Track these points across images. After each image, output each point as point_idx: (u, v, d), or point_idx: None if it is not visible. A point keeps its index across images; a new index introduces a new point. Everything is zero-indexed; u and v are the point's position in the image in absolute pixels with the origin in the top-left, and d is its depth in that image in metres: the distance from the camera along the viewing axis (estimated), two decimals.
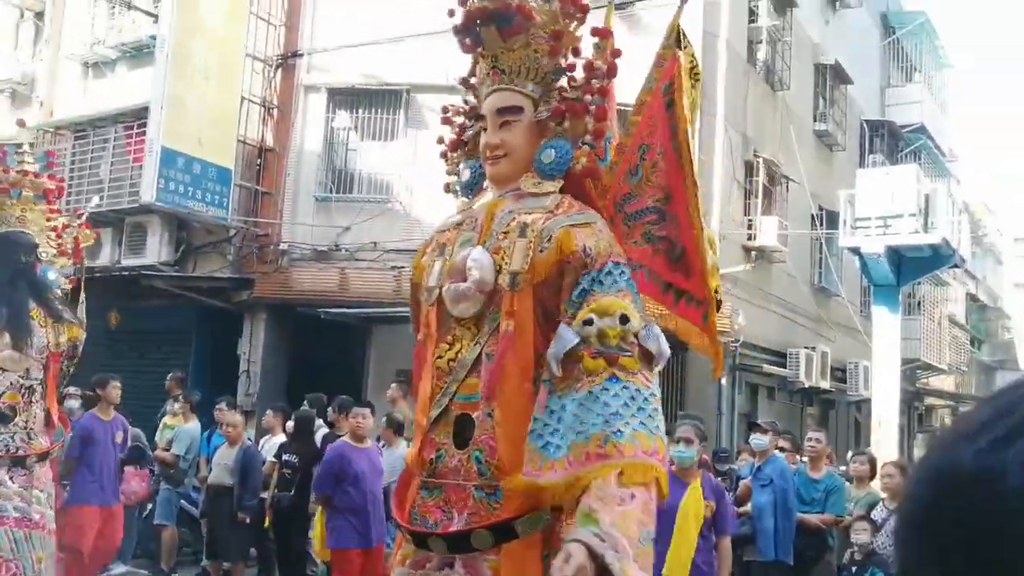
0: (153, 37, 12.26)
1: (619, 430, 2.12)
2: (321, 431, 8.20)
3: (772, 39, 14.25)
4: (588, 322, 2.25)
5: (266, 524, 8.02)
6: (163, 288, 12.18)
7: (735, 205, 13.26)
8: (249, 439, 8.57)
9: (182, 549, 9.23)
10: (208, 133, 11.89)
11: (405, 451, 3.46)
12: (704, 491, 5.22)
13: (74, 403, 7.92)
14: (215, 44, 12.08)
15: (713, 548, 5.27)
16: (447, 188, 2.80)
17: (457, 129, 2.79)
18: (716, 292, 2.55)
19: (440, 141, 2.83)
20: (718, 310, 2.56)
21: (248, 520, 7.89)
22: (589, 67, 2.58)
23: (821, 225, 14.84)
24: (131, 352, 12.65)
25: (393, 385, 8.26)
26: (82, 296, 5.55)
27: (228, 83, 12.17)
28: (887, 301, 12.56)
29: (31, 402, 4.86)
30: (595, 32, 2.63)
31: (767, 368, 13.56)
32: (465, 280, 2.38)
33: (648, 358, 2.29)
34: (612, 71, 2.60)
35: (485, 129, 2.61)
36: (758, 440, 7.11)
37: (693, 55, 2.73)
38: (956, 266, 14.71)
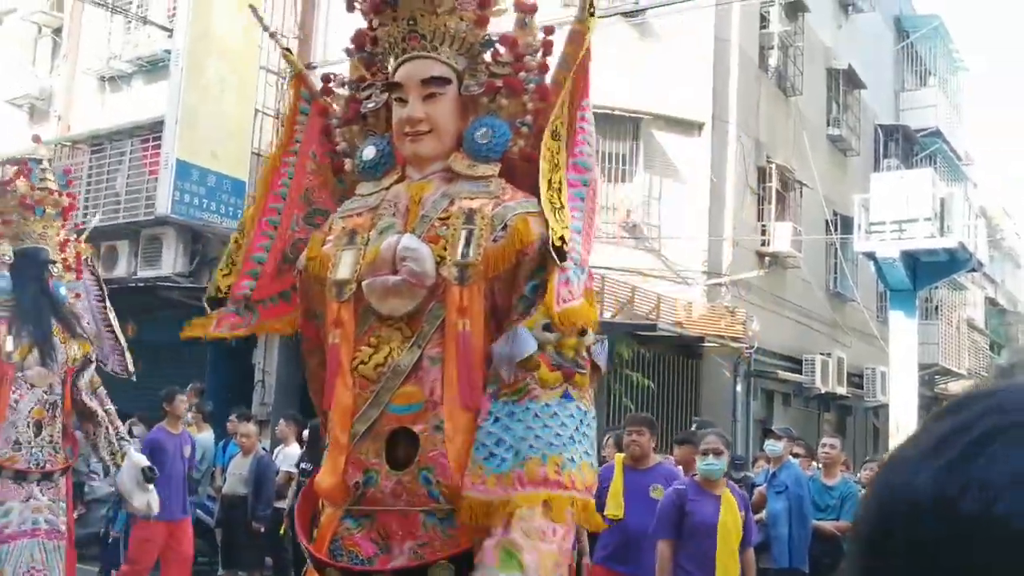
0: (168, 51, 12.42)
1: (572, 458, 1.93)
2: None
3: (784, 44, 14.24)
4: (547, 328, 2.00)
5: (281, 532, 8.05)
6: (179, 299, 12.27)
7: (748, 211, 13.24)
8: (264, 449, 8.61)
9: (197, 559, 9.26)
10: (223, 145, 12.01)
11: None
12: (736, 501, 5.13)
13: (140, 428, 8.11)
14: (229, 57, 12.21)
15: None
16: (335, 169, 2.49)
17: (349, 101, 2.45)
18: (564, 241, 2.10)
19: (324, 113, 2.51)
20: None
21: (263, 530, 7.93)
22: (512, 42, 2.28)
23: (836, 230, 14.78)
24: (147, 363, 12.70)
25: (281, 422, 8.34)
26: (111, 314, 5.61)
27: (242, 96, 12.28)
28: (904, 306, 12.50)
29: (55, 416, 4.94)
30: (519, 5, 2.33)
31: (782, 374, 13.51)
32: (395, 273, 2.07)
33: (594, 375, 2.09)
34: (548, 47, 2.30)
35: (400, 100, 2.25)
36: (772, 446, 7.08)
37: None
38: (974, 270, 14.63)
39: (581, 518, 1.96)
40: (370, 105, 2.37)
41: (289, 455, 8.50)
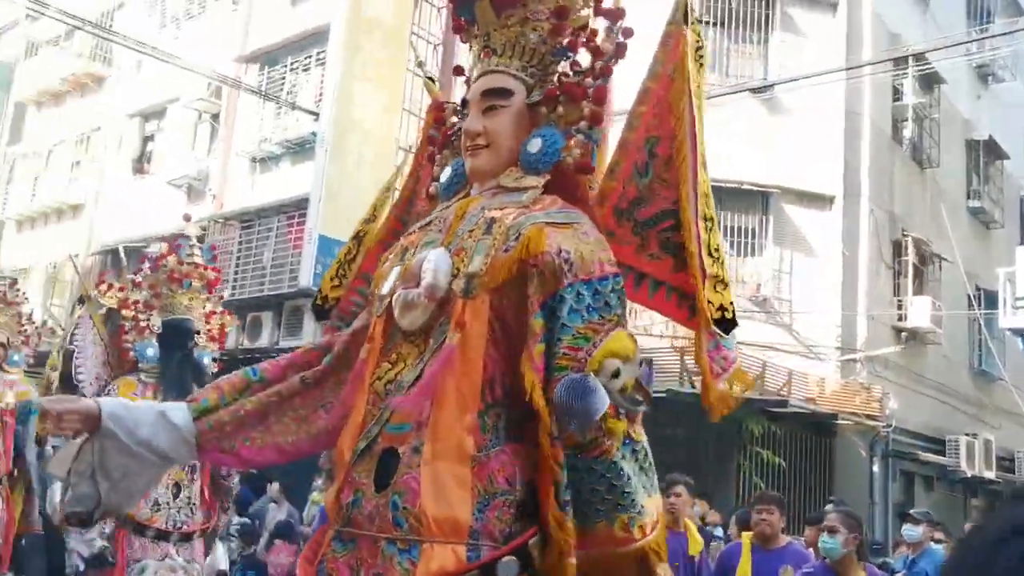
0: (314, 134, 13.27)
1: (642, 508, 1.80)
2: None
3: (919, 116, 13.96)
4: (616, 374, 1.81)
5: None
6: None
7: (883, 285, 12.88)
8: None
9: None
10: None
11: None
12: None
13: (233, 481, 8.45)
14: (369, 137, 12.94)
15: None
16: (427, 194, 2.37)
17: (446, 127, 2.33)
18: (725, 310, 2.02)
19: (430, 142, 2.41)
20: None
21: None
22: (596, 53, 2.12)
23: (979, 305, 14.17)
24: None
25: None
26: None
27: (381, 173, 12.92)
28: None
29: (193, 479, 5.11)
30: (604, 13, 2.16)
31: (923, 456, 12.90)
32: (418, 285, 1.96)
33: (646, 401, 1.89)
34: (621, 51, 2.12)
35: None
36: (910, 531, 6.83)
37: (700, 33, 2.22)
38: None
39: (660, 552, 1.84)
40: (456, 127, 2.26)
41: None
